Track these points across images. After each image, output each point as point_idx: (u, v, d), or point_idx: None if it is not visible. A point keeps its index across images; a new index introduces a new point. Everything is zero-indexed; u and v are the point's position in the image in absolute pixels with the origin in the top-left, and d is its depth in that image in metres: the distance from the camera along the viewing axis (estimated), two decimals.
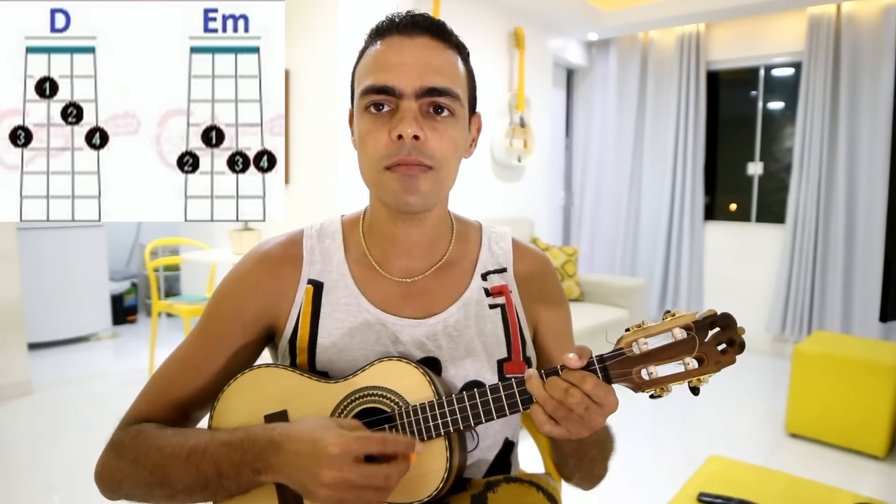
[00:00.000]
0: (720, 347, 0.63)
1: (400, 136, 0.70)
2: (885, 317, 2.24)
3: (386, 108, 0.72)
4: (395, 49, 0.72)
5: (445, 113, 0.73)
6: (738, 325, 0.63)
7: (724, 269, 4.50)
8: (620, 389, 0.66)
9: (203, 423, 0.79)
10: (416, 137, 0.70)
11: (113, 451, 0.75)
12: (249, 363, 0.82)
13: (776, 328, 4.13)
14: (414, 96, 0.71)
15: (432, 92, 0.71)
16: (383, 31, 0.74)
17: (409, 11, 0.75)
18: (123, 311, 4.73)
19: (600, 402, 0.63)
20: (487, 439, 0.82)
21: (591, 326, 3.20)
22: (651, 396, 0.65)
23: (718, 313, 0.63)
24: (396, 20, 0.74)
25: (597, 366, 0.65)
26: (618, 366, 0.64)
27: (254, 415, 0.75)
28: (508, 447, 0.85)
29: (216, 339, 0.80)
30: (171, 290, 5.22)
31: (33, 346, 3.70)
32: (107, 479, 0.74)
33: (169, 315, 4.89)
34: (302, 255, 0.82)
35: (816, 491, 1.53)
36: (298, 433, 0.66)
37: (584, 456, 0.80)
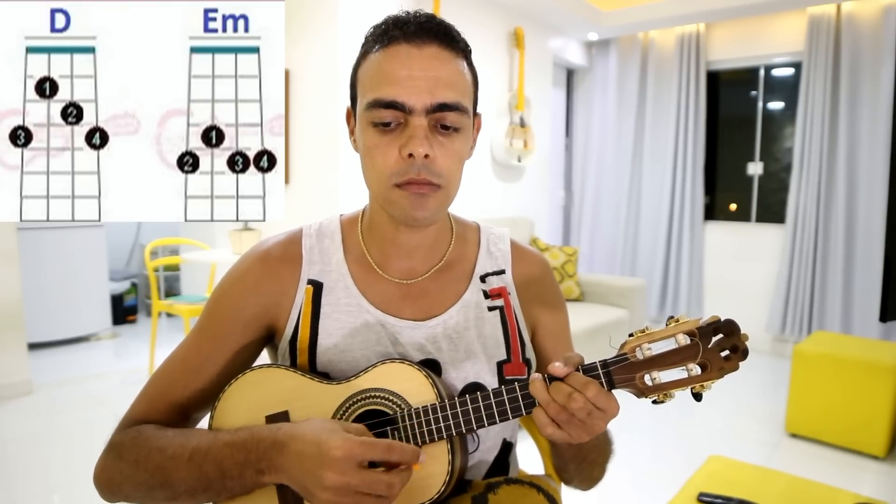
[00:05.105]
0: (723, 354, 0.63)
1: (410, 155, 0.69)
2: (885, 317, 2.24)
3: (393, 123, 0.70)
4: (402, 60, 0.69)
5: (453, 128, 0.72)
6: (742, 332, 0.63)
7: (724, 270, 4.49)
8: (622, 393, 0.66)
9: (203, 423, 0.79)
10: (425, 156, 0.69)
11: (112, 452, 0.74)
12: (250, 363, 0.82)
13: (776, 328, 4.13)
14: (424, 112, 0.69)
15: (442, 108, 0.70)
16: (389, 37, 0.71)
17: (414, 13, 0.73)
18: (123, 311, 4.73)
19: (602, 408, 0.64)
20: (487, 441, 0.82)
21: (591, 326, 3.20)
22: (654, 402, 0.65)
23: (722, 320, 0.63)
24: (403, 26, 0.71)
25: (600, 371, 0.65)
26: (621, 371, 0.65)
27: (255, 415, 0.74)
28: (507, 448, 0.85)
29: (216, 339, 0.79)
30: (171, 290, 5.22)
31: (33, 346, 3.70)
32: (105, 481, 0.74)
33: (169, 315, 4.88)
34: (301, 254, 0.82)
35: (816, 491, 1.53)
36: (303, 434, 0.65)
37: (584, 460, 0.80)
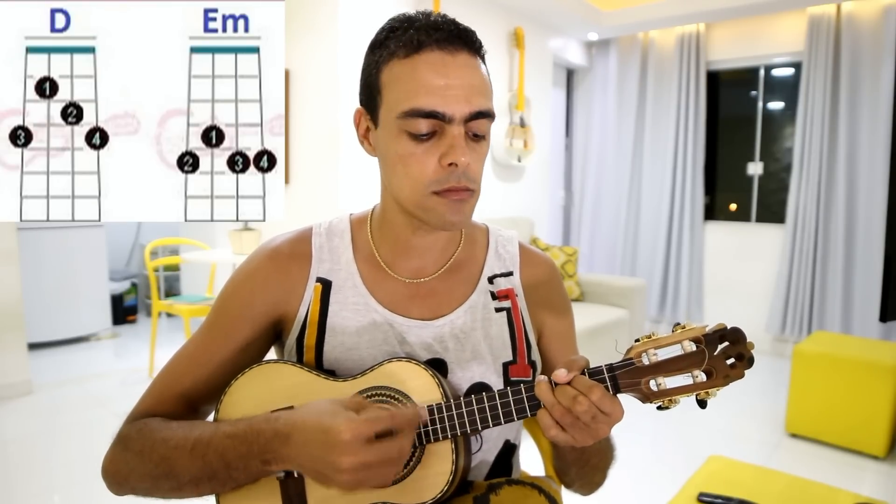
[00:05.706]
0: (729, 361, 0.63)
1: (451, 164, 0.69)
2: (885, 317, 2.24)
3: (429, 133, 0.70)
4: (438, 69, 0.69)
5: (482, 135, 0.72)
6: (748, 340, 0.63)
7: (724, 269, 4.49)
8: (625, 397, 0.66)
9: (210, 417, 0.79)
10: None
11: (119, 444, 0.75)
12: (257, 359, 0.82)
13: (776, 328, 4.12)
14: (462, 121, 0.69)
15: (478, 115, 0.70)
16: (419, 44, 0.69)
17: (439, 16, 0.72)
18: (123, 311, 4.73)
19: (607, 412, 0.64)
20: (489, 441, 0.82)
21: (592, 327, 3.20)
22: (659, 408, 0.65)
23: (728, 327, 0.63)
24: (431, 31, 0.70)
25: (606, 374, 0.65)
26: (627, 375, 0.65)
27: (260, 410, 0.74)
28: (510, 449, 0.85)
29: (224, 335, 0.80)
30: (171, 290, 5.22)
31: (33, 346, 3.70)
32: (113, 472, 0.74)
33: (169, 315, 4.89)
34: (311, 252, 0.83)
35: (816, 491, 1.53)
36: (305, 422, 0.66)
37: (586, 464, 0.80)
